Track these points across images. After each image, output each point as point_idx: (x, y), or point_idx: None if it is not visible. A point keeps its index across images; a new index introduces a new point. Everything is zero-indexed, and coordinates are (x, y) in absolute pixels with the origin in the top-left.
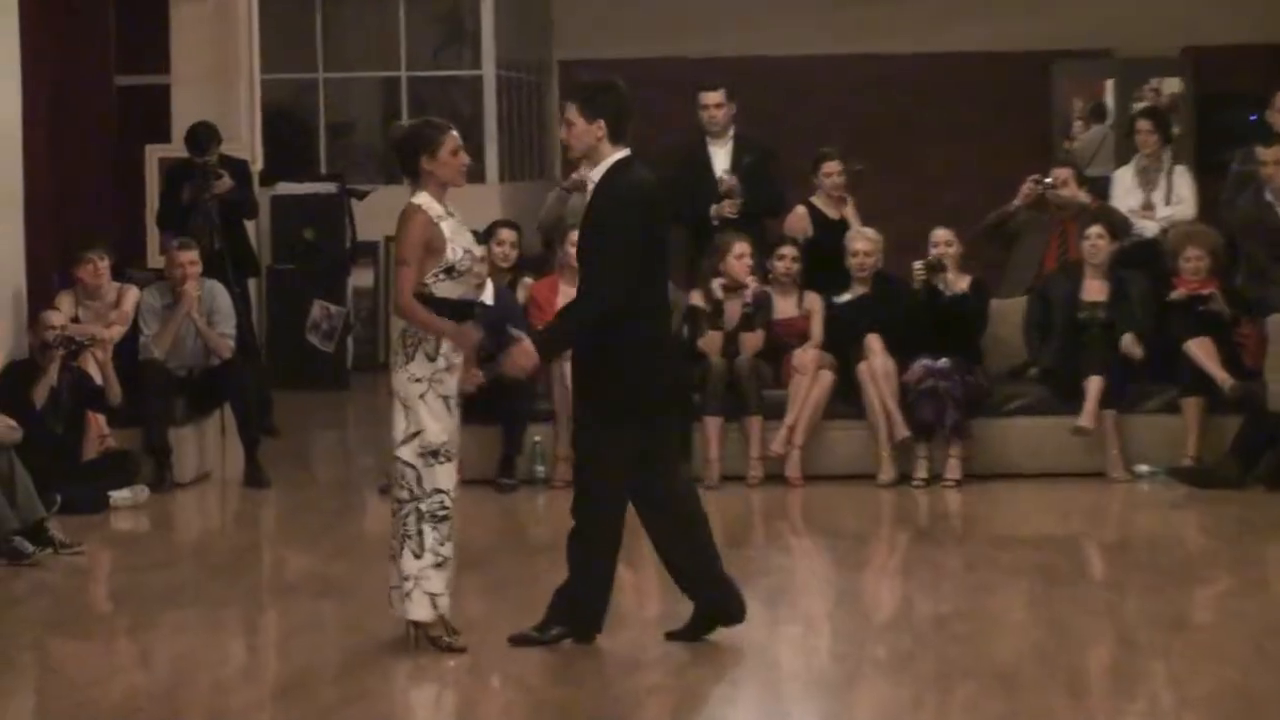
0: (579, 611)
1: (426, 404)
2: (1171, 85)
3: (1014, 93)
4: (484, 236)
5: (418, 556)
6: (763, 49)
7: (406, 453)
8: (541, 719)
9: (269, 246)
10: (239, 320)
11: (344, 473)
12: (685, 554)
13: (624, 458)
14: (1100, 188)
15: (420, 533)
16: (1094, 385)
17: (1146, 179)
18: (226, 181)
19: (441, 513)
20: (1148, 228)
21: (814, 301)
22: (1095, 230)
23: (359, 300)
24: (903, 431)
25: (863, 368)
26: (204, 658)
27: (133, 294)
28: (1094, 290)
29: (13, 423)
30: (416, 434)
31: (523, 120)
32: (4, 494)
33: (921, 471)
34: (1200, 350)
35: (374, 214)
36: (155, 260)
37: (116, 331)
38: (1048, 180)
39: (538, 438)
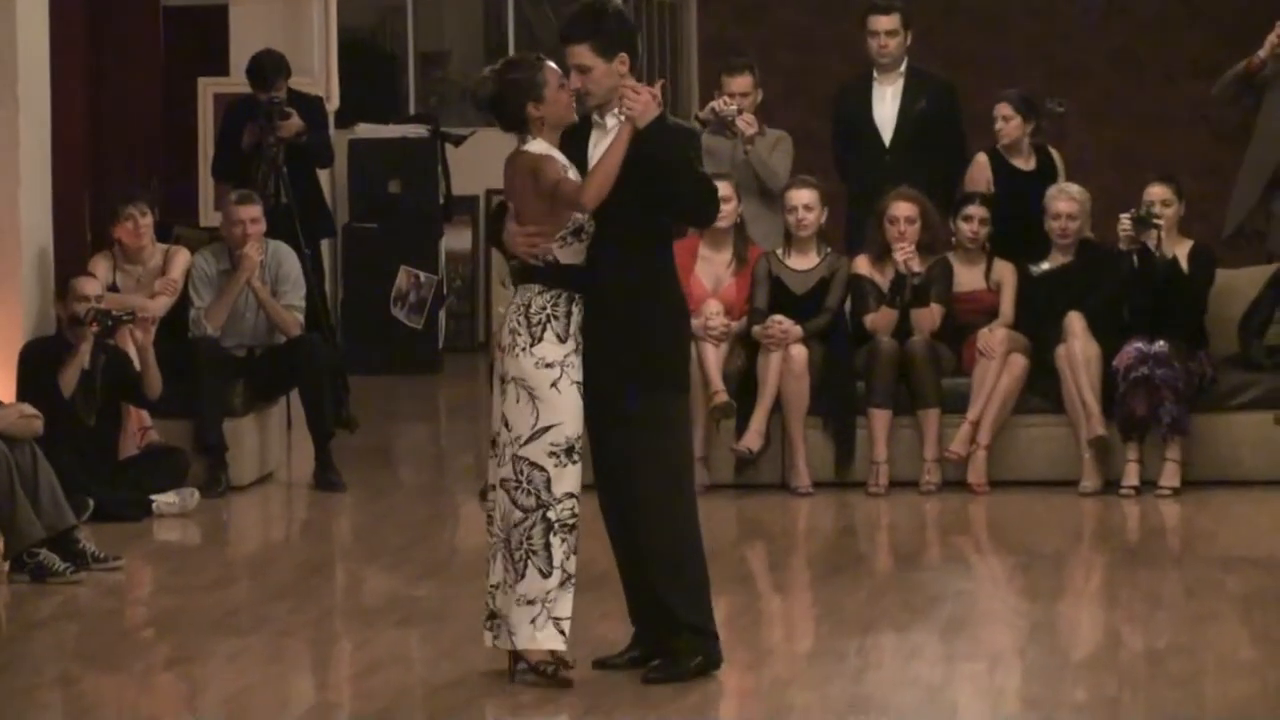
0: (704, 629)
1: (560, 391)
2: None
3: (1247, 21)
4: None
5: (545, 575)
6: None
7: (535, 452)
8: None
9: (346, 201)
10: (309, 290)
11: (434, 475)
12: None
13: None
14: None
15: (548, 546)
16: None
17: None
18: (296, 122)
19: (571, 521)
20: None
21: (1005, 272)
22: None
23: (454, 266)
24: (1098, 428)
25: (1061, 352)
26: (263, 697)
27: (182, 258)
28: None
29: (32, 410)
30: (548, 428)
31: (655, 49)
32: (26, 497)
33: (1131, 477)
34: None
35: (472, 163)
36: (210, 217)
37: (162, 303)
38: None
39: None
